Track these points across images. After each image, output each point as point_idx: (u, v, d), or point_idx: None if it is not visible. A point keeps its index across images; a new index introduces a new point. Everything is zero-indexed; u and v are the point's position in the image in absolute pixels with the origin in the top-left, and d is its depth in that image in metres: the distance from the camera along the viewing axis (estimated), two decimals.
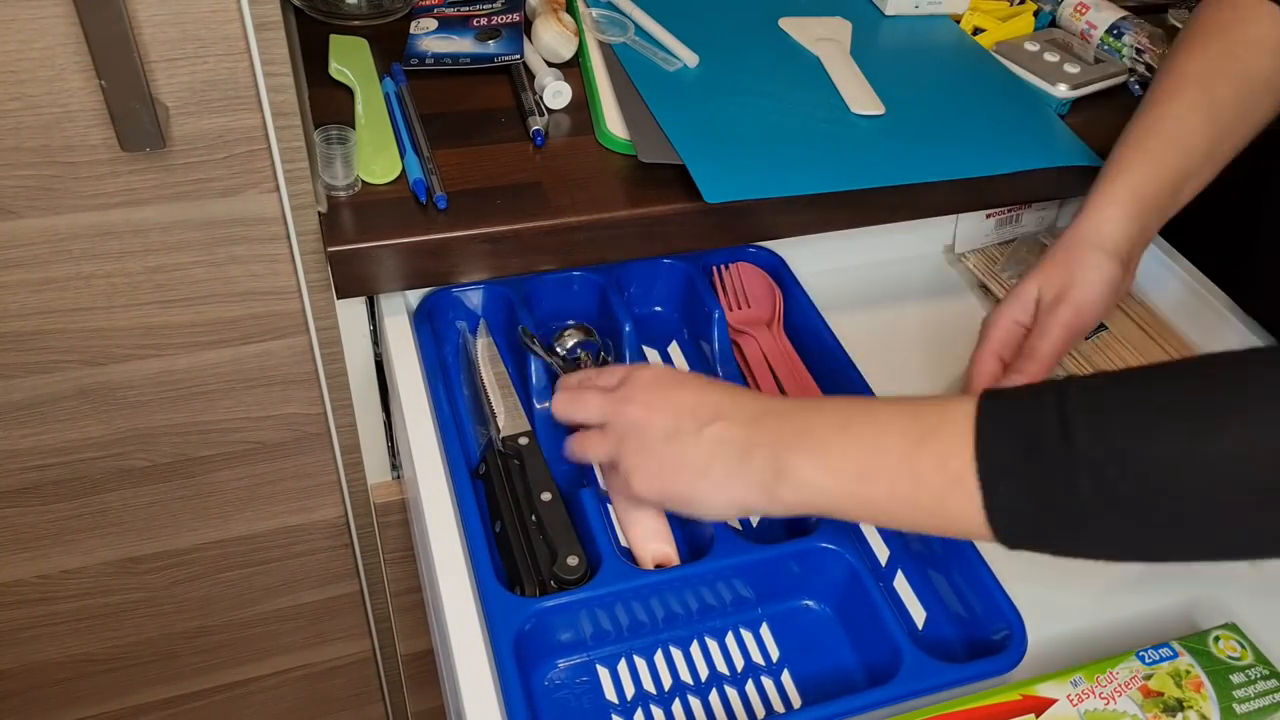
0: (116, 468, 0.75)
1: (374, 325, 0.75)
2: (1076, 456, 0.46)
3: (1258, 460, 0.44)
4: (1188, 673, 0.56)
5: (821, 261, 0.84)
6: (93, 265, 0.64)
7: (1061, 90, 0.82)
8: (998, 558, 0.60)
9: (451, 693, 0.54)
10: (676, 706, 0.58)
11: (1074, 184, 0.80)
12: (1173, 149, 0.68)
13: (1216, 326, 0.80)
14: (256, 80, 0.58)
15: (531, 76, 0.79)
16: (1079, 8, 0.91)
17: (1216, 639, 0.58)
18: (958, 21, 0.92)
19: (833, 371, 0.72)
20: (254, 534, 0.84)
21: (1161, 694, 0.55)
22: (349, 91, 0.75)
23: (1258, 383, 0.45)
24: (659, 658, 0.60)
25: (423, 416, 0.65)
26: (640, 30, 0.85)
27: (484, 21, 0.83)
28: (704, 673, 0.60)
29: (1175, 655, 0.57)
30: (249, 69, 0.58)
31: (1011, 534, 0.49)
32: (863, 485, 0.51)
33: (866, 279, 0.86)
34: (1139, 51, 0.88)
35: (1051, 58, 0.85)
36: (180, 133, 0.59)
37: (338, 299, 0.69)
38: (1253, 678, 0.57)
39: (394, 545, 0.86)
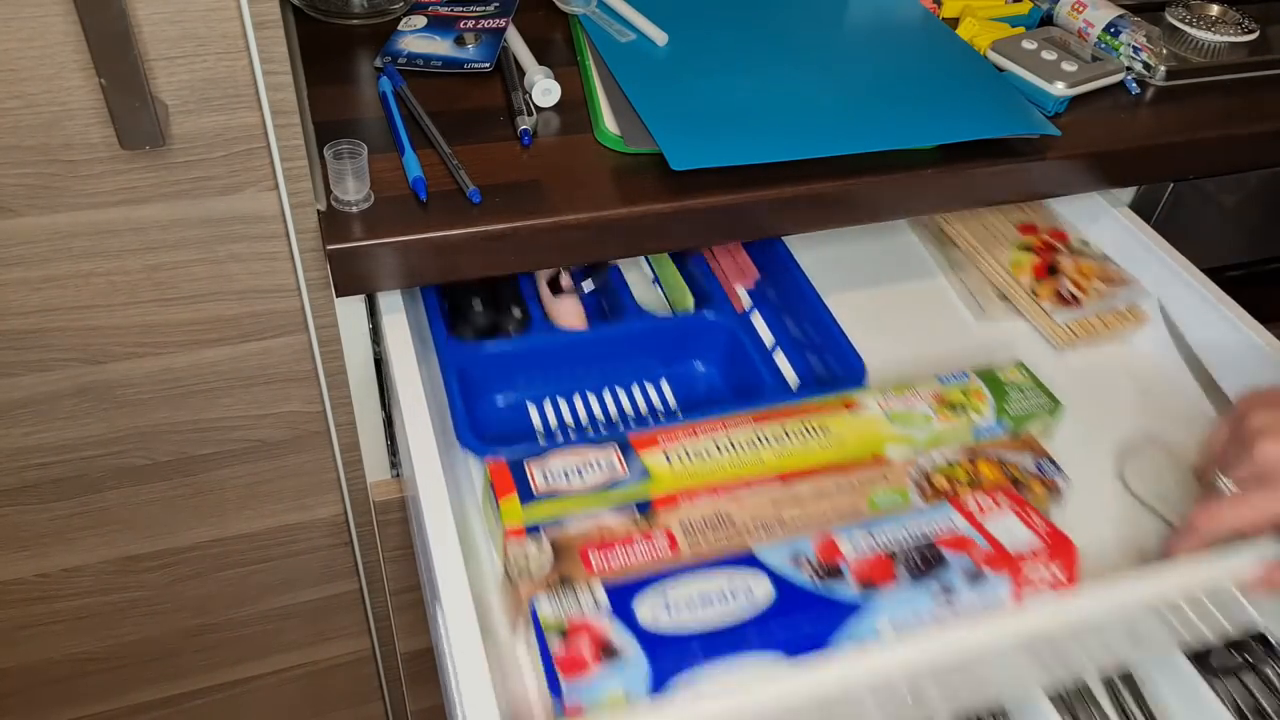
0: (116, 466, 0.75)
1: (373, 323, 0.75)
2: None
3: None
4: (975, 389, 0.71)
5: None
6: (92, 263, 0.64)
7: (1058, 88, 0.82)
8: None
9: (452, 691, 0.54)
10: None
11: (1072, 181, 0.80)
12: None
13: None
14: (255, 79, 0.59)
15: (522, 73, 0.79)
16: (1076, 6, 0.92)
17: (1005, 370, 0.73)
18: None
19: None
20: (253, 532, 0.84)
21: (950, 401, 0.69)
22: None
23: None
24: (577, 400, 0.76)
25: (422, 414, 0.65)
26: (603, 3, 0.86)
27: (470, 24, 0.83)
28: (614, 414, 0.76)
29: (967, 378, 0.71)
30: (248, 67, 0.58)
31: None
32: None
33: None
34: (1136, 50, 0.88)
35: (1049, 56, 0.85)
36: (180, 131, 0.59)
37: (336, 297, 0.69)
38: (1027, 394, 0.71)
39: (393, 543, 0.87)
